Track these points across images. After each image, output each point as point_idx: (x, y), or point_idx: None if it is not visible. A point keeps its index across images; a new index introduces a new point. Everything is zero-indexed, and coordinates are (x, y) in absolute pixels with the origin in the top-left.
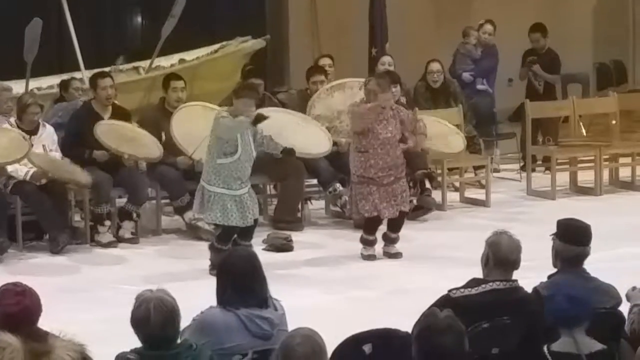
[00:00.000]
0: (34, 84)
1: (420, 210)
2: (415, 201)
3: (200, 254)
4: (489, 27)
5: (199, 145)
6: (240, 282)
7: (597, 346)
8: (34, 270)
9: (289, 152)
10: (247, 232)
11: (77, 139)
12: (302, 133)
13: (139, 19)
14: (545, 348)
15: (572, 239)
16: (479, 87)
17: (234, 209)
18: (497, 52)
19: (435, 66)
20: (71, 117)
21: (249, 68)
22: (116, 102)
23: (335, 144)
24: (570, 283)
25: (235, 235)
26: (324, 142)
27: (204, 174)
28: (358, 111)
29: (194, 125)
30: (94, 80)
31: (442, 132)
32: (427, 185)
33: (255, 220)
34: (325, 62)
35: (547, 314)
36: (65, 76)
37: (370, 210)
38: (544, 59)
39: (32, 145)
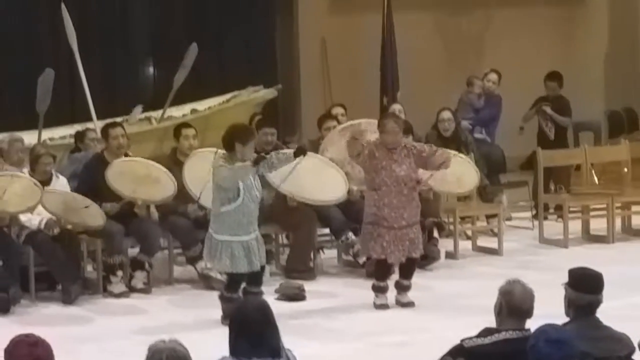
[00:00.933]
0: (46, 134)
1: (425, 260)
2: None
3: (212, 304)
4: (493, 76)
5: (204, 187)
6: (252, 331)
7: None
8: (47, 321)
9: (300, 152)
10: (255, 279)
11: (89, 190)
12: (317, 178)
13: (151, 69)
14: None
15: (584, 287)
16: (477, 135)
17: (241, 256)
18: (500, 102)
19: (446, 114)
20: (83, 167)
21: (259, 118)
22: (129, 152)
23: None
24: (579, 331)
25: (245, 283)
26: (339, 188)
27: (211, 222)
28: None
29: (203, 169)
30: (105, 130)
31: (455, 171)
32: (435, 234)
33: (263, 267)
34: (337, 111)
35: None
36: (78, 127)
37: (378, 252)
38: (555, 103)
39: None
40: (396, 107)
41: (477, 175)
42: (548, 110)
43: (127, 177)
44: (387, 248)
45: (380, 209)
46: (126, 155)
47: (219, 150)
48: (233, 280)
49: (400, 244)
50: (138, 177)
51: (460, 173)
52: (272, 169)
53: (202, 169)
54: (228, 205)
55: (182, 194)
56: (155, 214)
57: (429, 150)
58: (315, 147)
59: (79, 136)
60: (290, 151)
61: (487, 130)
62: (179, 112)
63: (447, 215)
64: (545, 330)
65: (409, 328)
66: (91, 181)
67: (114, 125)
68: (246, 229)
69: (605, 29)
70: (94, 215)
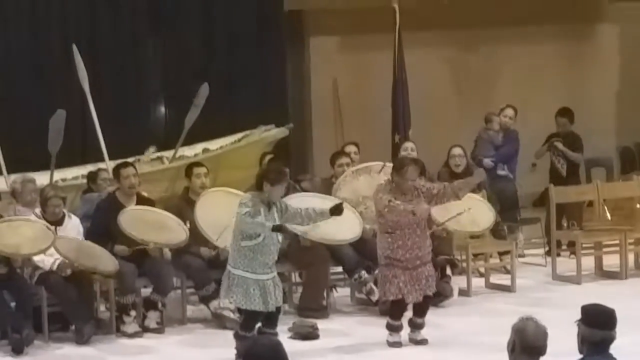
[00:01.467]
0: (58, 175)
1: (438, 297)
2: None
3: (226, 343)
4: (510, 112)
5: (222, 232)
6: None
7: None
8: None
9: (337, 210)
10: (271, 320)
11: (101, 230)
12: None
13: (162, 109)
14: None
15: (597, 323)
16: (500, 172)
17: (256, 294)
18: (518, 137)
19: (457, 151)
20: (96, 208)
21: (270, 157)
22: (141, 192)
23: None
24: None
25: (260, 324)
26: (355, 227)
27: (229, 258)
28: (396, 209)
29: (217, 211)
30: (116, 170)
31: (469, 212)
32: (448, 271)
33: (279, 309)
34: (350, 149)
35: None
36: (90, 167)
37: (395, 293)
38: (566, 140)
39: (57, 235)
40: (409, 145)
41: (492, 214)
42: (560, 146)
43: (139, 222)
44: (404, 288)
45: (394, 252)
46: (139, 195)
47: (246, 194)
48: (249, 319)
49: (417, 284)
50: (150, 223)
51: (474, 213)
52: (306, 222)
53: (216, 211)
54: (249, 241)
55: (195, 234)
56: (168, 253)
57: (438, 187)
58: (328, 185)
59: (92, 176)
60: (325, 208)
61: (509, 167)
62: (191, 152)
63: (460, 252)
64: None
65: None
66: (104, 222)
67: (125, 165)
68: (263, 268)
69: (616, 65)
70: (106, 260)
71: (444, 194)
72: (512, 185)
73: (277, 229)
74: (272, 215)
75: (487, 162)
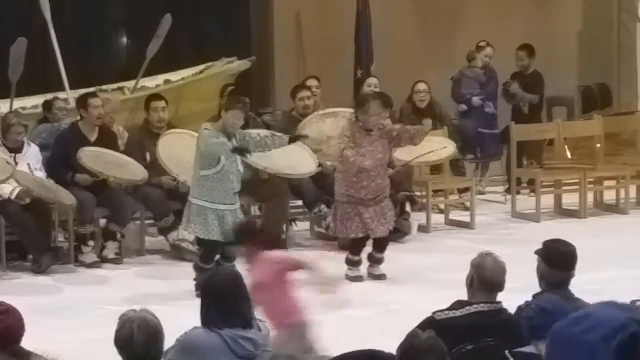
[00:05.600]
0: (18, 103)
1: (397, 233)
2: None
3: (184, 275)
4: (490, 50)
5: (183, 168)
6: (224, 302)
7: None
8: (17, 290)
9: (297, 138)
10: (229, 253)
11: (62, 161)
12: (287, 154)
13: (124, 39)
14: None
15: (558, 264)
16: (487, 109)
17: (215, 223)
18: (497, 74)
19: (422, 86)
20: (57, 138)
21: (231, 88)
22: (107, 123)
23: (320, 165)
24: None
25: (219, 256)
26: (310, 163)
27: (191, 189)
28: (347, 161)
29: (180, 151)
30: (83, 100)
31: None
32: (407, 208)
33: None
34: (312, 83)
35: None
36: (49, 96)
37: (356, 230)
38: (527, 79)
39: (17, 164)
40: (372, 81)
41: (452, 147)
42: (514, 89)
43: (99, 160)
44: (371, 224)
45: (357, 191)
46: (101, 126)
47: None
48: (208, 250)
49: (383, 217)
50: (109, 162)
51: (432, 149)
52: (265, 149)
53: (179, 151)
54: (207, 170)
55: (155, 166)
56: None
57: (398, 129)
58: (289, 117)
59: (47, 105)
60: (285, 137)
61: (493, 104)
62: (152, 83)
63: (420, 188)
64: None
65: (381, 300)
66: (66, 153)
67: (93, 94)
68: (222, 198)
69: (579, 4)
70: (64, 195)
71: (401, 138)
72: (496, 122)
73: (238, 150)
74: (232, 145)
75: (476, 100)
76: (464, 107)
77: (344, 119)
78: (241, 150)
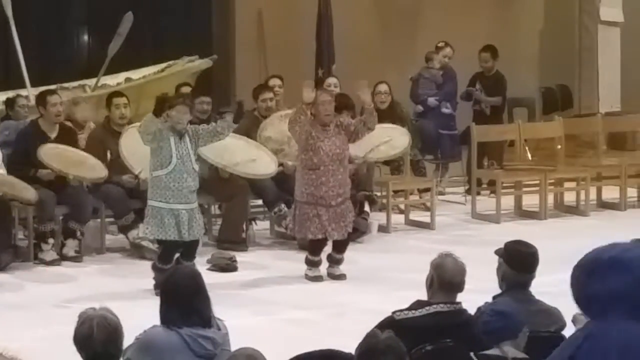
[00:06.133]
0: None
1: (355, 233)
2: None
3: (144, 273)
4: (449, 51)
5: (146, 167)
6: (183, 300)
7: (521, 355)
8: None
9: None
10: (188, 252)
11: (23, 158)
12: (247, 155)
13: (86, 37)
14: (472, 354)
15: (519, 266)
16: (444, 110)
17: (171, 223)
18: (456, 75)
19: (383, 87)
20: (18, 136)
21: (187, 88)
22: (65, 122)
23: (281, 164)
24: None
25: (178, 255)
26: (269, 165)
27: (148, 190)
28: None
29: (143, 147)
30: (42, 97)
31: (384, 136)
32: (366, 207)
33: (197, 241)
34: (275, 82)
35: (479, 330)
36: (10, 93)
37: (315, 232)
38: (490, 80)
39: None
40: (331, 81)
41: (407, 137)
42: (477, 96)
43: (59, 157)
44: (328, 226)
45: (317, 188)
46: (61, 124)
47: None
48: (166, 250)
49: (342, 220)
50: (70, 160)
51: (389, 137)
52: (220, 136)
53: (139, 142)
54: (160, 171)
55: (117, 164)
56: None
57: (355, 123)
58: (250, 117)
59: (9, 103)
60: (229, 119)
61: (451, 104)
62: (113, 81)
63: (380, 188)
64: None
65: (340, 301)
66: (26, 150)
67: (51, 92)
68: (177, 197)
69: (541, 5)
70: (26, 191)
71: (358, 129)
72: (455, 123)
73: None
74: (186, 144)
75: (432, 100)
76: (420, 107)
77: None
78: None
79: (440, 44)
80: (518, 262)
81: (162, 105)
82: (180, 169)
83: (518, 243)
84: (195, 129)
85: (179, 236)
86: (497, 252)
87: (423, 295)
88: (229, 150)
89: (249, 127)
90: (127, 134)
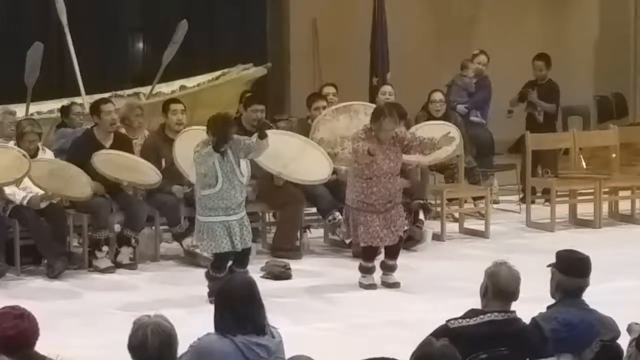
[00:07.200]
0: (34, 108)
1: (410, 241)
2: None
3: (198, 281)
4: (483, 58)
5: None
6: (237, 308)
7: None
8: (32, 294)
9: (262, 126)
10: (241, 260)
11: (78, 167)
12: (301, 158)
13: (141, 45)
14: None
15: (573, 270)
16: (473, 119)
17: (223, 235)
18: (490, 83)
19: (438, 96)
20: (72, 144)
21: (248, 95)
22: (120, 129)
23: (334, 172)
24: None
25: (231, 262)
26: (324, 169)
27: (197, 206)
28: (359, 152)
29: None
30: (96, 106)
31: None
32: (421, 216)
33: (248, 249)
34: (329, 90)
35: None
36: (65, 101)
37: (366, 238)
38: (543, 88)
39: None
40: (387, 89)
41: (458, 137)
42: (532, 98)
43: (112, 164)
44: (380, 232)
45: (368, 197)
46: (116, 132)
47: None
48: (219, 259)
49: (392, 225)
50: (123, 166)
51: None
52: (248, 153)
53: (191, 147)
54: (207, 190)
55: (170, 172)
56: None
57: (410, 137)
58: (304, 125)
59: (64, 110)
60: (254, 136)
61: (481, 113)
62: (167, 89)
63: (435, 197)
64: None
65: (395, 309)
66: (80, 159)
67: (105, 100)
68: (227, 210)
69: (596, 14)
70: (80, 185)
71: (411, 146)
72: (486, 131)
73: (259, 130)
74: (229, 158)
75: (461, 108)
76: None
77: (357, 115)
78: (261, 129)
79: (476, 51)
80: (570, 266)
81: (223, 130)
82: (227, 187)
83: (569, 251)
84: (237, 141)
85: (232, 247)
86: (549, 265)
87: (477, 304)
88: (284, 155)
89: (302, 134)
90: (180, 139)
